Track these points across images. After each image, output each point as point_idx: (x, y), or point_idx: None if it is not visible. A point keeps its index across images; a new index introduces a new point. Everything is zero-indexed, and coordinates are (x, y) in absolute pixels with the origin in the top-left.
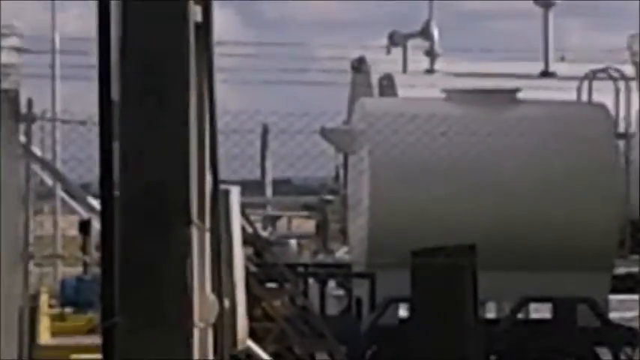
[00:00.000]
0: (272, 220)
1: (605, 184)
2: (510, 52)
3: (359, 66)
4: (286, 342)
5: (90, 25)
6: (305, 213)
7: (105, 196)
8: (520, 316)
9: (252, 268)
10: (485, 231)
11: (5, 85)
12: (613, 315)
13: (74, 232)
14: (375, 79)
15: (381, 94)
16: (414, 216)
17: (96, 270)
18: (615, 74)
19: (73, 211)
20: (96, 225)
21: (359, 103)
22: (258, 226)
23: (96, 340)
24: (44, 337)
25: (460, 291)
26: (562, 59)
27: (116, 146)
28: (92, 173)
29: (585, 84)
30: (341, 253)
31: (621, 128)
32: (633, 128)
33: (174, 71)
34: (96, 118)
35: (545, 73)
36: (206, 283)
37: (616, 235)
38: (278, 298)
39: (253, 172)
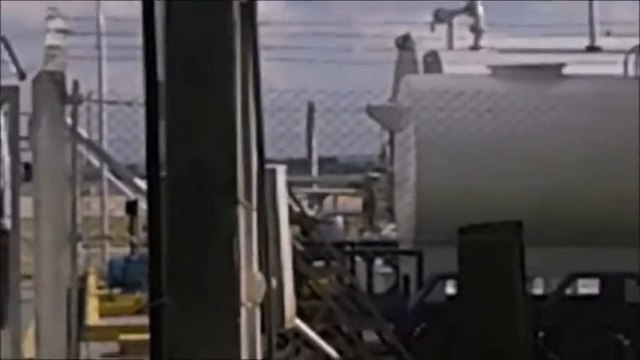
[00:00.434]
0: (318, 199)
1: None
2: (556, 26)
3: (404, 43)
4: (334, 320)
5: (135, 6)
6: (351, 191)
7: (151, 176)
8: (568, 292)
9: (299, 247)
10: (532, 207)
11: (51, 67)
12: None
13: (121, 213)
14: (420, 56)
15: (427, 71)
16: (460, 193)
17: (143, 250)
18: None
19: (120, 192)
20: (143, 206)
21: (404, 80)
22: (305, 204)
23: (144, 320)
24: (93, 318)
25: (507, 267)
26: (608, 34)
27: (162, 127)
28: (139, 154)
29: (632, 58)
30: (388, 231)
31: None
32: None
33: (219, 51)
34: (142, 99)
35: (591, 48)
36: (253, 263)
37: None
38: (325, 277)
39: (300, 151)
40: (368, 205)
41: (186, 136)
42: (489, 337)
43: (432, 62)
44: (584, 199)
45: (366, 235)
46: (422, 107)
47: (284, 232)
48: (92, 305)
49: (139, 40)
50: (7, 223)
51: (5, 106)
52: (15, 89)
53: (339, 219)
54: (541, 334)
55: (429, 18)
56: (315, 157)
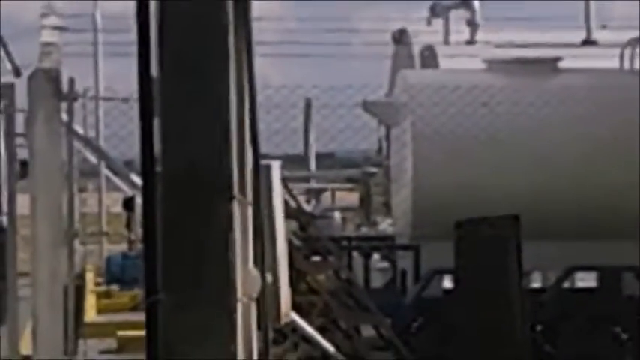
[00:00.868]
0: (316, 194)
1: None
2: (552, 19)
3: (400, 38)
4: (331, 315)
5: (130, 3)
6: (348, 186)
7: (146, 172)
8: (565, 285)
9: (297, 242)
10: (528, 201)
11: (46, 64)
12: None
13: (118, 209)
14: (416, 50)
15: (423, 65)
16: (457, 187)
17: (141, 247)
18: None
19: (117, 189)
20: (140, 202)
21: (401, 75)
22: (302, 199)
23: (141, 316)
24: (90, 315)
25: (504, 261)
26: (604, 27)
27: (157, 123)
28: (135, 150)
29: (627, 52)
30: (385, 226)
31: None
32: None
33: (213, 46)
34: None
35: (587, 42)
36: (249, 258)
37: None
38: (322, 272)
39: (296, 147)
40: (365, 200)
41: (181, 132)
42: (487, 331)
43: (429, 57)
44: (581, 192)
45: (364, 230)
46: (418, 102)
47: (279, 227)
48: (90, 302)
49: (135, 37)
50: (4, 220)
51: (1, 104)
52: (11, 86)
53: (337, 214)
54: (539, 327)
55: (426, 13)
56: (312, 152)
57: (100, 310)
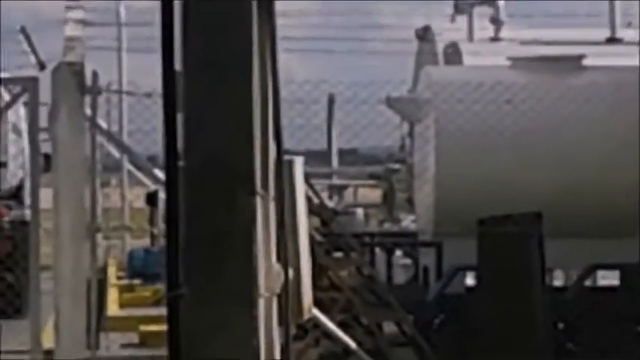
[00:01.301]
0: (338, 190)
1: None
2: (576, 17)
3: (424, 34)
4: (353, 311)
5: None
6: (371, 182)
7: (169, 167)
8: (587, 283)
9: (319, 238)
10: (551, 198)
11: (70, 58)
12: None
13: (141, 204)
14: (440, 47)
15: (447, 62)
16: (479, 184)
17: (163, 242)
18: None
19: (140, 183)
20: (163, 197)
21: (424, 71)
22: (325, 196)
23: (164, 311)
24: (112, 309)
25: (527, 259)
26: (629, 25)
27: (180, 117)
28: (158, 145)
29: None
30: (407, 222)
31: None
32: None
33: (236, 41)
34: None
35: (612, 39)
36: (271, 253)
37: None
38: (345, 268)
39: (319, 143)
40: (387, 197)
41: (204, 127)
42: (508, 328)
43: (452, 54)
44: (605, 190)
45: (386, 226)
46: (441, 98)
47: (302, 223)
48: (112, 296)
49: (159, 31)
50: (27, 213)
51: (25, 97)
52: (34, 80)
53: (360, 210)
54: (560, 325)
55: (450, 10)
56: (335, 148)
57: (122, 305)
